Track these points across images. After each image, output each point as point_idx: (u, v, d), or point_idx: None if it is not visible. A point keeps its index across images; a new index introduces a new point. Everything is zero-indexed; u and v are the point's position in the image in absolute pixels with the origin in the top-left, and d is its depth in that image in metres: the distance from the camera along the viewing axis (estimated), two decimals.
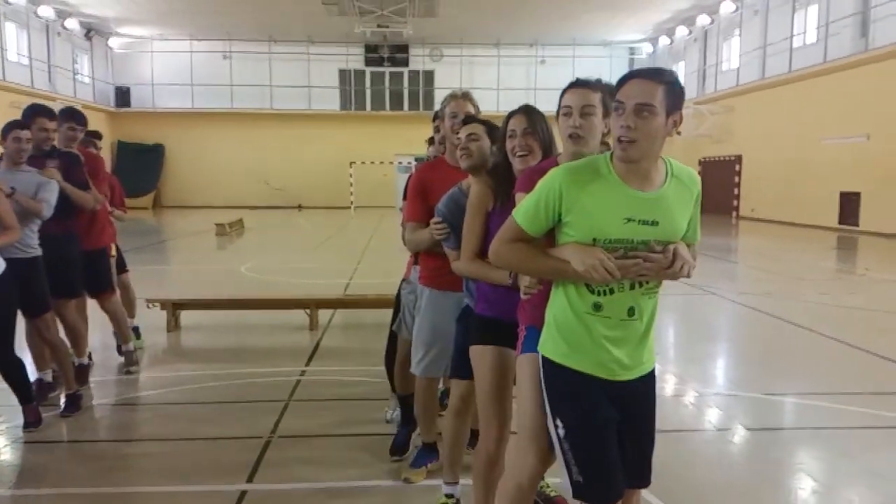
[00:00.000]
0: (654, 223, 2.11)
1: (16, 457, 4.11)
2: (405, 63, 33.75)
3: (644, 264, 2.09)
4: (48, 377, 5.14)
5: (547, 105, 3.34)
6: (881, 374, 5.98)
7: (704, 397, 5.39)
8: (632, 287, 2.15)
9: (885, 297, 10.03)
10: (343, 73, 33.78)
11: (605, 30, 30.64)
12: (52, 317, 4.70)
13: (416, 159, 4.55)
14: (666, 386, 5.56)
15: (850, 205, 20.28)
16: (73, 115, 5.32)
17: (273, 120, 32.93)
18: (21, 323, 4.53)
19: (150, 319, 7.01)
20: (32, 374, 4.95)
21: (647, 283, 2.17)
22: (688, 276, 2.15)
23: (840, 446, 4.39)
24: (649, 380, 2.29)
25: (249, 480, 3.72)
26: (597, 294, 2.15)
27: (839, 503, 3.62)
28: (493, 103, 27.32)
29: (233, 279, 10.85)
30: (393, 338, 4.21)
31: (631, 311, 2.16)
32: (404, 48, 33.33)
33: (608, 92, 2.40)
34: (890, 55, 18.24)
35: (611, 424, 2.18)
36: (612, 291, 2.14)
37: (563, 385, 2.22)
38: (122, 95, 32.43)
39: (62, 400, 4.79)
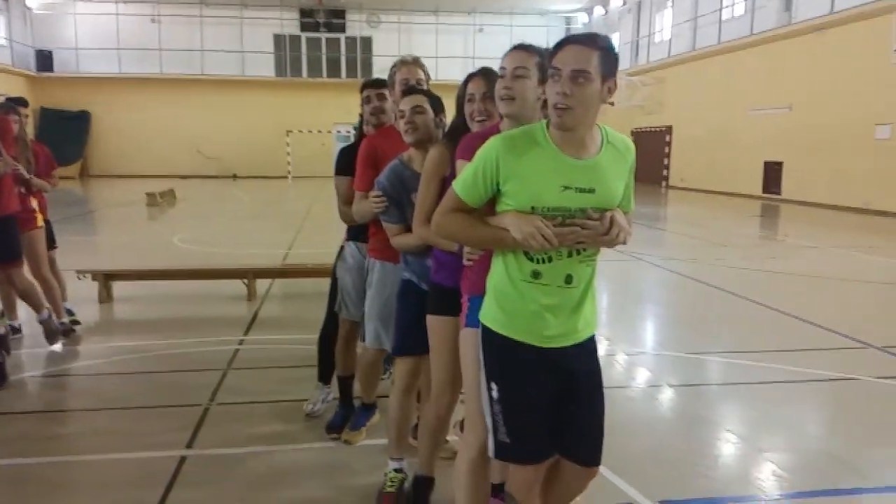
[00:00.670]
0: (591, 191, 2.12)
1: None
2: (342, 29, 33.19)
3: (581, 232, 2.11)
4: None
5: None
6: (795, 333, 6.38)
7: (632, 357, 5.67)
8: (569, 255, 2.16)
9: (803, 261, 10.61)
10: (278, 39, 32.97)
11: None
12: None
13: (355, 128, 4.43)
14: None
15: (773, 174, 21.16)
16: None
17: (205, 86, 31.95)
18: None
19: (80, 291, 6.86)
20: None
21: (585, 250, 2.18)
22: (624, 242, 2.17)
23: (757, 401, 4.72)
24: (588, 346, 2.30)
25: (189, 446, 3.76)
26: (535, 262, 2.16)
27: (756, 454, 3.91)
28: (432, 71, 26.88)
29: (165, 250, 10.64)
30: (330, 322, 4.10)
31: (568, 279, 2.18)
32: (341, 13, 32.76)
33: (548, 58, 2.31)
34: (811, 28, 18.97)
35: (543, 391, 2.22)
36: (550, 259, 2.16)
37: (498, 352, 2.24)
38: (44, 59, 30.86)
39: None
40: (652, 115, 27.98)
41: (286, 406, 4.35)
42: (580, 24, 34.10)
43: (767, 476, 3.56)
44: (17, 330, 5.71)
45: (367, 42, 33.48)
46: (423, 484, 3.08)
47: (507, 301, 2.21)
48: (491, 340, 2.26)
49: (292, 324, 6.38)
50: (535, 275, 2.17)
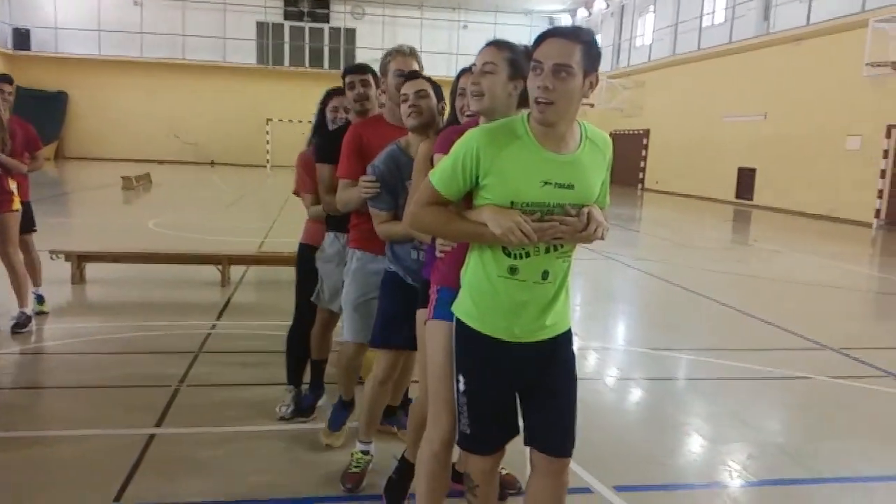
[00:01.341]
0: (570, 186, 2.10)
1: None
2: (326, 19, 33.09)
3: (560, 227, 2.08)
4: None
5: None
6: (757, 333, 6.57)
7: (598, 352, 5.81)
8: (547, 251, 2.13)
9: (768, 265, 10.87)
10: (261, 26, 32.80)
11: None
12: None
13: (313, 123, 4.27)
14: None
15: (746, 180, 21.53)
16: None
17: (185, 71, 31.71)
18: None
19: (53, 272, 6.85)
20: None
21: (562, 246, 2.15)
22: (602, 238, 2.15)
23: (717, 396, 4.88)
24: (562, 340, 2.27)
25: (158, 425, 3.82)
26: (513, 258, 2.13)
27: (711, 445, 4.05)
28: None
29: (140, 234, 10.61)
30: (298, 322, 4.07)
31: (545, 275, 2.15)
32: (325, 3, 32.66)
33: (523, 54, 2.37)
34: (788, 39, 19.31)
35: (509, 386, 2.24)
36: (527, 255, 2.12)
37: (469, 346, 2.23)
38: (21, 37, 30.37)
39: None
40: (631, 118, 28.30)
41: (256, 389, 4.42)
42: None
43: (721, 466, 3.70)
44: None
45: (350, 33, 33.41)
46: (408, 469, 3.01)
47: (481, 296, 2.19)
48: (463, 334, 2.25)
49: (265, 310, 6.44)
50: (512, 270, 2.14)
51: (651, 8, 27.94)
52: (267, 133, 30.23)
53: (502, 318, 2.17)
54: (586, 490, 3.31)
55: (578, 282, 8.78)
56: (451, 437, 2.45)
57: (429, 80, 3.06)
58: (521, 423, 2.32)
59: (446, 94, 3.00)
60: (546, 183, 2.08)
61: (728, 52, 22.07)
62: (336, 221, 3.69)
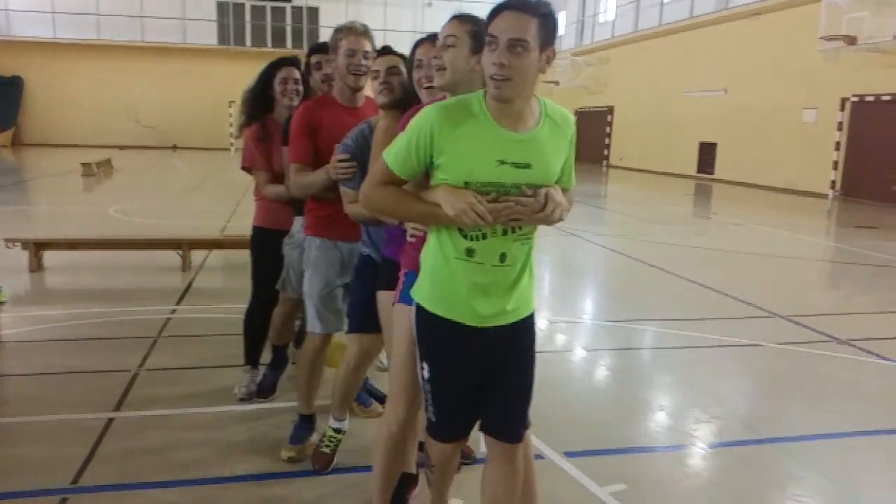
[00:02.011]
0: (527, 166, 2.02)
1: None
2: None
3: (516, 208, 2.00)
4: None
5: None
6: (711, 304, 6.76)
7: (556, 324, 5.94)
8: (504, 233, 2.06)
9: (725, 237, 11.12)
10: (221, 6, 32.18)
11: None
12: None
13: (248, 102, 4.16)
14: None
15: (707, 154, 21.89)
16: None
17: (145, 54, 31.06)
18: None
19: (10, 260, 6.78)
20: None
21: (520, 228, 2.08)
22: (560, 219, 2.08)
23: (671, 364, 5.05)
24: (523, 327, 2.21)
25: (117, 409, 3.85)
26: (469, 239, 2.06)
27: (661, 410, 4.21)
28: (380, 45, 27.11)
29: (100, 221, 10.49)
30: (256, 304, 4.01)
31: (503, 257, 2.08)
32: None
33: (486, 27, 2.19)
34: (747, 14, 19.56)
35: (472, 372, 2.18)
36: (484, 237, 2.06)
37: (431, 331, 2.18)
38: None
39: None
40: (595, 94, 28.46)
41: (215, 372, 4.45)
42: None
43: (669, 431, 3.86)
44: None
45: (313, 12, 32.95)
46: (407, 479, 2.84)
47: (440, 279, 2.13)
48: (424, 319, 2.19)
49: (226, 294, 6.45)
50: (469, 252, 2.07)
51: None
52: (230, 115, 29.77)
53: (461, 302, 2.11)
54: (538, 457, 3.41)
55: (540, 257, 8.90)
56: (407, 419, 2.46)
57: (401, 56, 2.96)
58: None
59: None
60: (502, 162, 2.01)
61: (689, 28, 22.29)
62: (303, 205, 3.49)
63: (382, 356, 3.85)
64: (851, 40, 14.93)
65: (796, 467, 3.46)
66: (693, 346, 5.36)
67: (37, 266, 7.03)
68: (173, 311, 5.81)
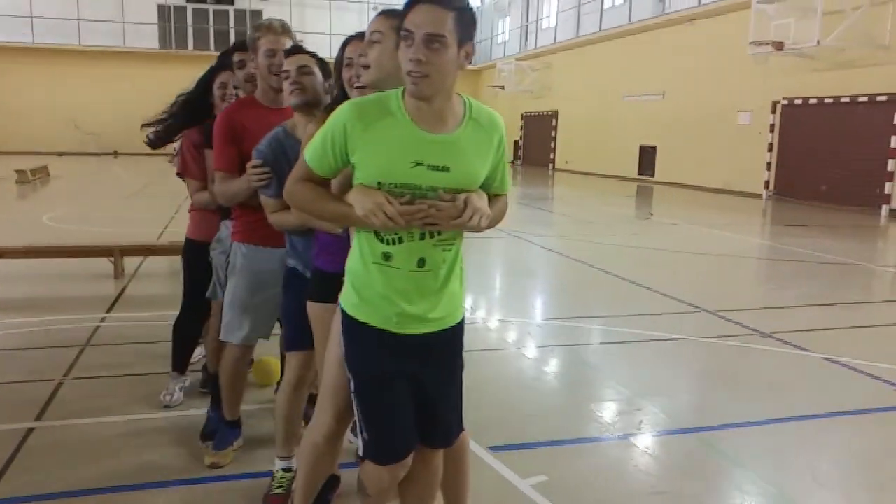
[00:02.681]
0: (446, 169, 1.95)
1: None
2: (230, 1, 32.17)
3: (430, 211, 1.93)
4: None
5: None
6: (640, 300, 6.94)
7: (489, 323, 6.03)
8: (422, 237, 1.99)
9: (660, 237, 11.42)
10: (162, 9, 31.64)
11: None
12: None
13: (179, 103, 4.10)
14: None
15: (647, 157, 22.42)
16: None
17: (83, 58, 30.29)
18: None
19: None
20: None
21: (439, 233, 2.01)
22: (482, 227, 2.01)
23: (599, 359, 5.19)
24: (451, 335, 2.14)
25: (37, 419, 3.77)
26: (386, 243, 1.99)
27: (587, 403, 4.31)
28: (325, 50, 26.85)
29: (32, 229, 10.20)
30: (186, 310, 3.94)
31: (421, 263, 2.00)
32: None
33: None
34: (683, 19, 20.12)
35: (398, 382, 2.08)
36: (401, 241, 1.98)
37: (353, 338, 2.10)
38: None
39: None
40: (540, 99, 28.86)
41: (142, 379, 4.39)
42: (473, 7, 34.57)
43: (591, 423, 3.97)
44: None
45: (257, 15, 32.49)
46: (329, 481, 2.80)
47: (360, 283, 2.06)
48: (348, 325, 2.11)
49: (158, 302, 6.33)
50: (386, 257, 2.00)
51: None
52: None
53: (381, 307, 2.04)
54: None
55: (478, 258, 9.01)
56: (333, 430, 2.36)
57: (313, 55, 2.90)
58: None
59: None
60: (418, 164, 1.93)
61: (628, 33, 22.81)
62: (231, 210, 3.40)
63: None
64: (779, 45, 15.49)
65: (716, 456, 3.59)
66: (621, 342, 5.51)
67: None
68: (103, 320, 5.70)
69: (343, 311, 2.12)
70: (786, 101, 17.06)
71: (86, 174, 21.65)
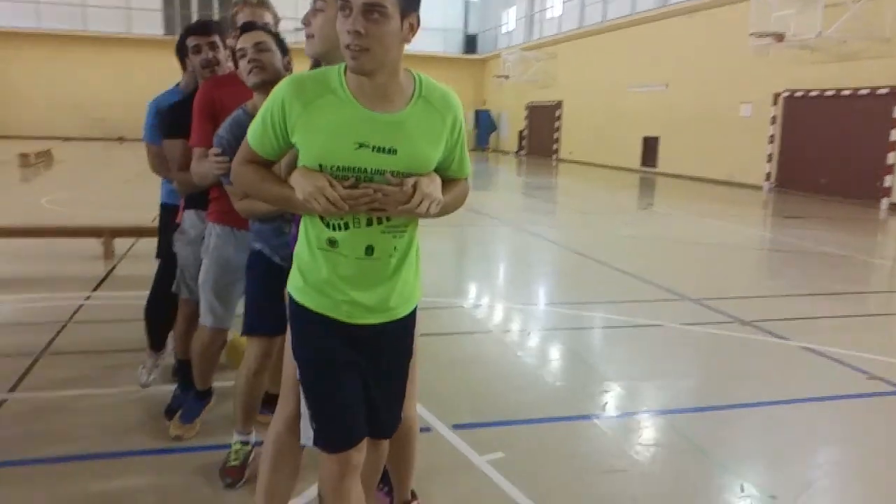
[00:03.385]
0: (392, 151, 1.83)
1: None
2: None
3: (376, 196, 1.82)
4: None
5: None
6: (625, 287, 6.97)
7: (467, 307, 6.08)
8: (369, 223, 1.89)
9: (655, 226, 11.43)
10: None
11: None
12: None
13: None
14: (440, 299, 6.20)
15: (650, 148, 22.36)
16: None
17: (88, 44, 30.37)
18: None
19: None
20: None
21: (388, 219, 1.90)
22: (432, 214, 1.91)
23: (575, 344, 5.22)
24: (402, 325, 2.06)
25: (11, 390, 3.84)
26: (331, 229, 1.89)
27: (555, 383, 4.36)
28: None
29: (30, 211, 10.31)
30: (159, 288, 3.83)
31: (369, 250, 1.90)
32: None
33: None
34: (684, 10, 20.02)
35: (345, 369, 1.98)
36: (346, 227, 1.88)
37: (299, 324, 2.02)
38: None
39: None
40: (545, 89, 28.78)
41: (121, 356, 4.46)
42: None
43: (557, 402, 4.02)
44: None
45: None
46: None
47: (307, 270, 1.96)
48: (295, 312, 2.02)
49: (144, 282, 6.35)
50: (332, 243, 1.90)
51: None
52: None
53: (328, 294, 1.94)
54: (426, 429, 3.53)
55: (463, 245, 9.06)
56: (293, 420, 2.25)
57: (270, 31, 2.80)
58: None
59: None
60: (361, 145, 1.81)
61: (631, 24, 22.71)
62: (196, 198, 3.33)
63: None
64: (780, 37, 15.40)
65: (678, 438, 3.63)
66: (599, 327, 5.56)
67: None
68: (87, 298, 5.77)
69: (290, 297, 2.03)
70: (787, 93, 16.98)
71: (89, 159, 21.78)
